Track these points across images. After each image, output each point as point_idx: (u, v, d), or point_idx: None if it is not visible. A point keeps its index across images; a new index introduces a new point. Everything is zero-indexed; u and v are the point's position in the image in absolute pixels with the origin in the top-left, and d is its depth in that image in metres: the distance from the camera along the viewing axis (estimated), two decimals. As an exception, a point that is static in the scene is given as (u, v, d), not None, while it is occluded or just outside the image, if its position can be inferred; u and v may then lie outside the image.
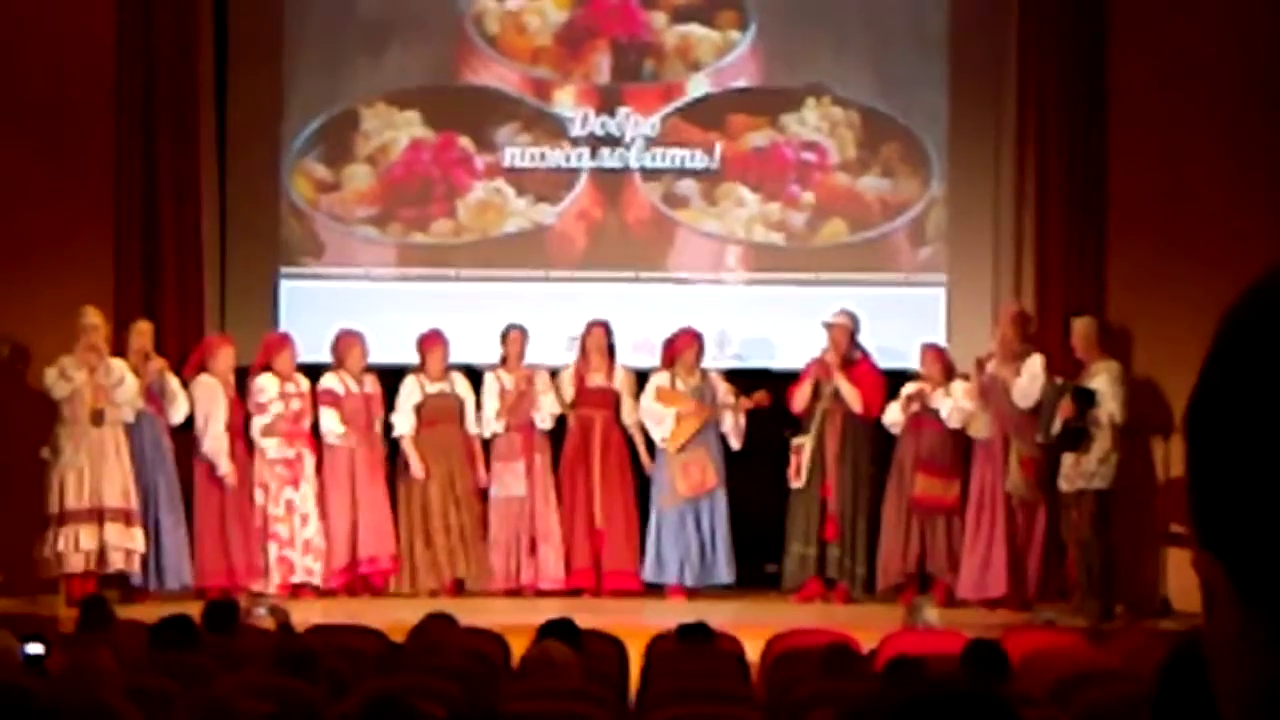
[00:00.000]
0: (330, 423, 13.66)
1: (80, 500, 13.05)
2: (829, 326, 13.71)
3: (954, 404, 13.42)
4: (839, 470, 13.67)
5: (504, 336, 13.89)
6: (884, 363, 13.82)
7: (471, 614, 10.48)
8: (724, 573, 13.76)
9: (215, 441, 13.45)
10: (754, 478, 13.94)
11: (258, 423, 13.56)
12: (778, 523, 13.82)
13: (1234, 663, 1.10)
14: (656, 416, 13.78)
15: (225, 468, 13.45)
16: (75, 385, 13.04)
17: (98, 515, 13.05)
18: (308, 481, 13.67)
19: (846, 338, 13.68)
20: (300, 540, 13.59)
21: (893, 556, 13.59)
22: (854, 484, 13.70)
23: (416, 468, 13.74)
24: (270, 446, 13.57)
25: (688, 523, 13.72)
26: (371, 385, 13.86)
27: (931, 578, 13.59)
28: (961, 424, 13.45)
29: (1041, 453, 13.26)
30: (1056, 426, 13.08)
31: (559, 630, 8.67)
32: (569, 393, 13.88)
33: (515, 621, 10.55)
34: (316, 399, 13.69)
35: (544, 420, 13.80)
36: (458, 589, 13.79)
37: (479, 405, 13.85)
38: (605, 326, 13.90)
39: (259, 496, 13.59)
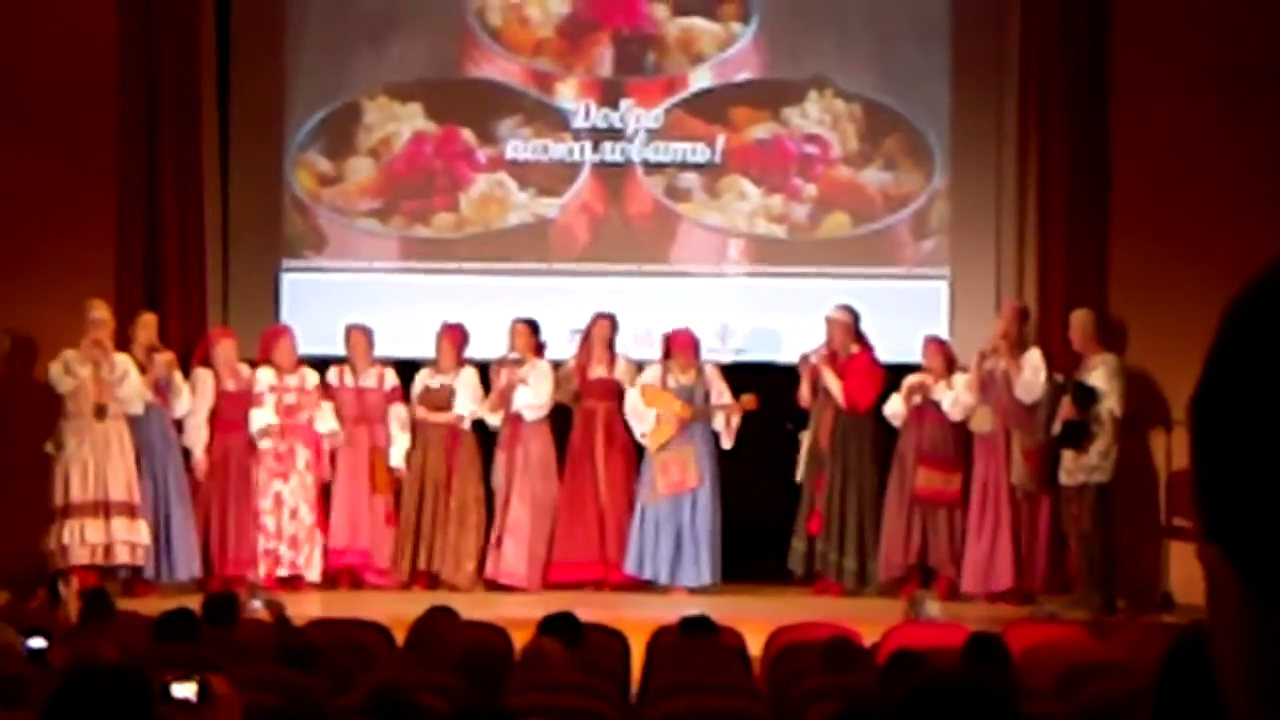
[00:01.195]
0: (326, 417, 13.69)
1: (85, 494, 13.07)
2: (827, 320, 13.71)
3: (955, 397, 13.42)
4: (830, 464, 13.66)
5: (510, 331, 13.88)
6: (886, 356, 13.80)
7: (472, 607, 10.47)
8: (705, 573, 13.66)
9: (192, 433, 13.50)
10: (756, 471, 13.94)
11: (255, 415, 13.58)
12: (779, 517, 13.82)
13: (1238, 653, 1.11)
14: (639, 414, 13.76)
15: (198, 455, 13.49)
16: (79, 380, 13.06)
17: (103, 509, 13.07)
18: (299, 475, 13.68)
19: (843, 333, 13.67)
20: (286, 535, 13.60)
21: (894, 549, 13.58)
22: (843, 478, 13.67)
23: (397, 460, 13.79)
24: (262, 439, 13.58)
25: (667, 520, 13.66)
26: (377, 379, 13.87)
27: (933, 571, 13.60)
28: (963, 417, 13.46)
29: (1042, 445, 13.26)
30: (1057, 427, 13.09)
31: (560, 624, 8.67)
32: (571, 385, 13.86)
33: (519, 615, 10.55)
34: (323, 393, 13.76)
35: (525, 411, 13.75)
36: (429, 583, 13.74)
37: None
38: (611, 319, 13.88)
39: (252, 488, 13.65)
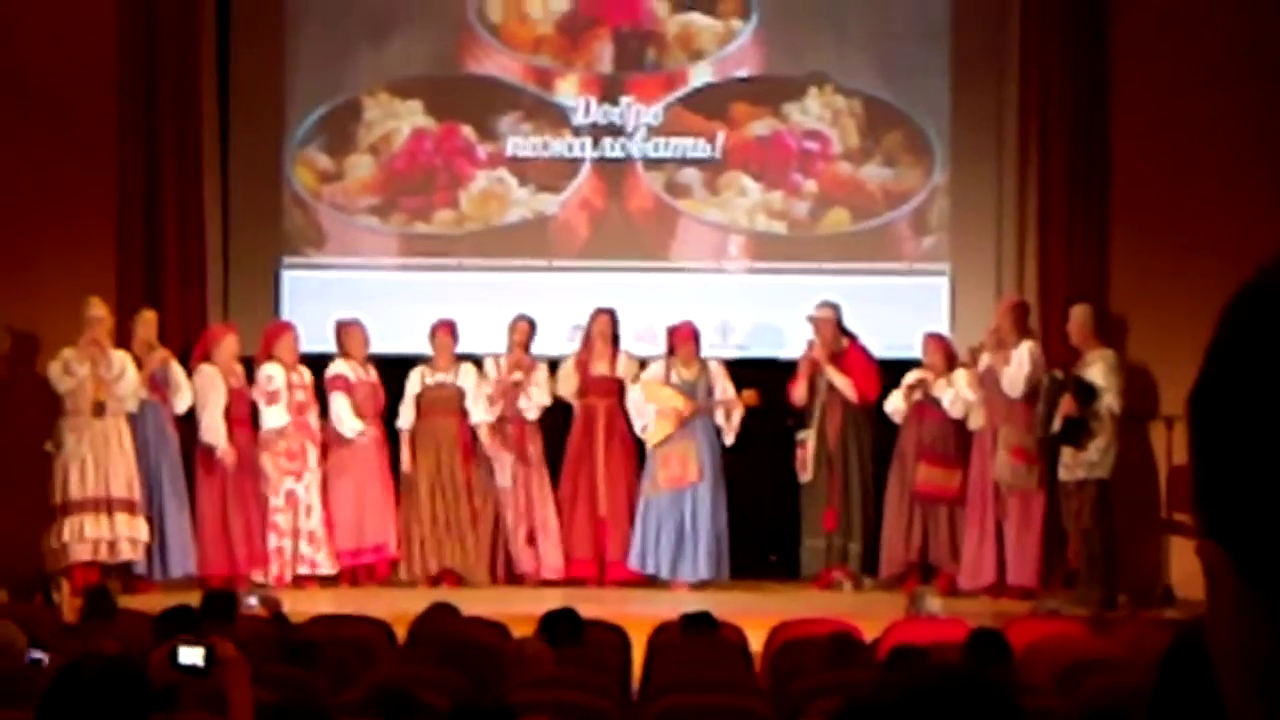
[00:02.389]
0: (344, 411, 13.65)
1: (85, 491, 13.05)
2: (812, 320, 13.70)
3: (956, 393, 13.42)
4: (842, 461, 13.65)
5: (511, 327, 13.89)
6: (886, 352, 13.81)
7: (474, 603, 10.47)
8: (703, 568, 13.63)
9: (212, 429, 13.46)
10: (758, 468, 13.92)
11: (268, 413, 13.53)
12: (781, 513, 13.82)
13: (1237, 647, 1.10)
14: (639, 409, 13.78)
15: (222, 446, 13.43)
16: (78, 379, 13.05)
17: (105, 505, 13.06)
18: (311, 473, 13.66)
19: (830, 329, 13.66)
20: (305, 531, 13.59)
21: (895, 546, 13.58)
22: (860, 473, 13.68)
23: (405, 462, 13.79)
24: (276, 437, 13.55)
25: (668, 515, 13.66)
26: (374, 374, 13.87)
27: (934, 567, 13.59)
28: (963, 414, 13.45)
29: (1038, 442, 13.23)
30: (1057, 424, 13.05)
31: (561, 620, 8.67)
32: (573, 381, 13.87)
33: (519, 611, 10.55)
34: (326, 387, 13.69)
35: (530, 411, 13.77)
36: (458, 580, 13.77)
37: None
38: (611, 314, 13.88)
39: (261, 485, 13.60)
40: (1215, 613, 1.12)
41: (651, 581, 13.70)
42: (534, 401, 13.75)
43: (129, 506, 13.11)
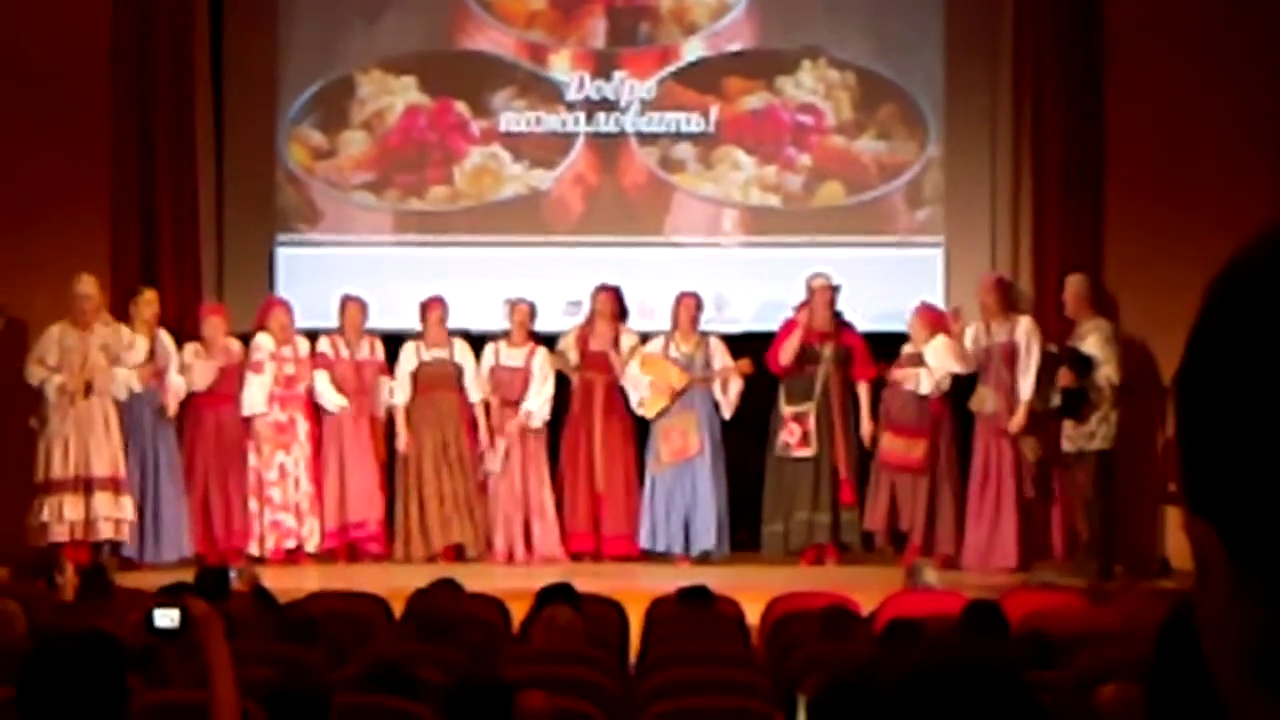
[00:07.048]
0: (324, 387, 13.67)
1: (66, 471, 13.03)
2: (811, 288, 13.63)
3: (929, 374, 13.34)
4: (845, 436, 13.61)
5: (511, 308, 13.87)
6: (880, 325, 13.81)
7: (470, 579, 10.47)
8: (707, 540, 13.66)
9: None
10: (750, 442, 13.89)
11: (253, 381, 13.54)
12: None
13: (1226, 624, 1.10)
14: (635, 382, 13.77)
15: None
16: (48, 368, 13.08)
17: (85, 485, 13.03)
18: (300, 446, 13.66)
19: (829, 298, 13.61)
20: (291, 504, 13.60)
21: (869, 515, 13.57)
22: (860, 449, 13.68)
23: (401, 440, 13.78)
24: (261, 407, 13.55)
25: (674, 489, 13.68)
26: (370, 350, 13.86)
27: (904, 535, 13.52)
28: (932, 389, 13.36)
29: (1041, 416, 13.23)
30: (1056, 399, 13.04)
31: (558, 595, 8.67)
32: (573, 356, 13.86)
33: (515, 586, 10.56)
34: (313, 364, 13.72)
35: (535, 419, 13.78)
36: (457, 555, 13.76)
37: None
38: (614, 292, 13.85)
39: (252, 459, 13.61)
40: (1204, 592, 1.12)
41: (650, 556, 13.70)
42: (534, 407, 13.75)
43: (112, 485, 13.08)
